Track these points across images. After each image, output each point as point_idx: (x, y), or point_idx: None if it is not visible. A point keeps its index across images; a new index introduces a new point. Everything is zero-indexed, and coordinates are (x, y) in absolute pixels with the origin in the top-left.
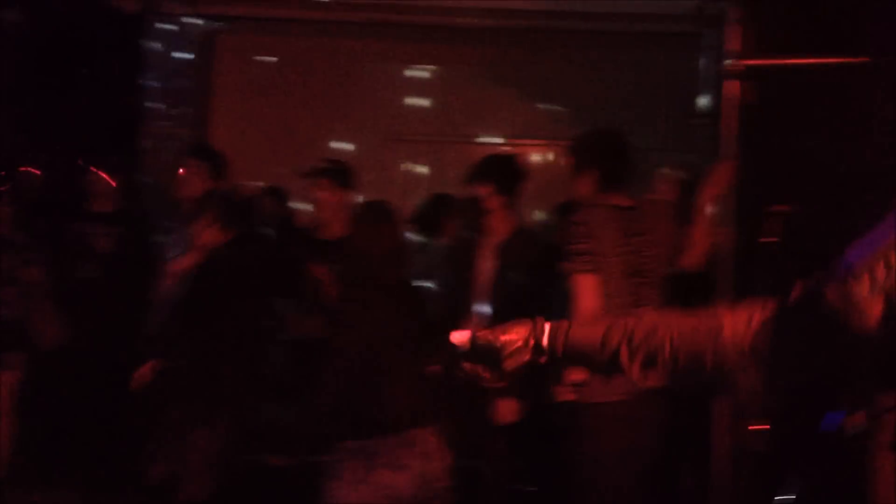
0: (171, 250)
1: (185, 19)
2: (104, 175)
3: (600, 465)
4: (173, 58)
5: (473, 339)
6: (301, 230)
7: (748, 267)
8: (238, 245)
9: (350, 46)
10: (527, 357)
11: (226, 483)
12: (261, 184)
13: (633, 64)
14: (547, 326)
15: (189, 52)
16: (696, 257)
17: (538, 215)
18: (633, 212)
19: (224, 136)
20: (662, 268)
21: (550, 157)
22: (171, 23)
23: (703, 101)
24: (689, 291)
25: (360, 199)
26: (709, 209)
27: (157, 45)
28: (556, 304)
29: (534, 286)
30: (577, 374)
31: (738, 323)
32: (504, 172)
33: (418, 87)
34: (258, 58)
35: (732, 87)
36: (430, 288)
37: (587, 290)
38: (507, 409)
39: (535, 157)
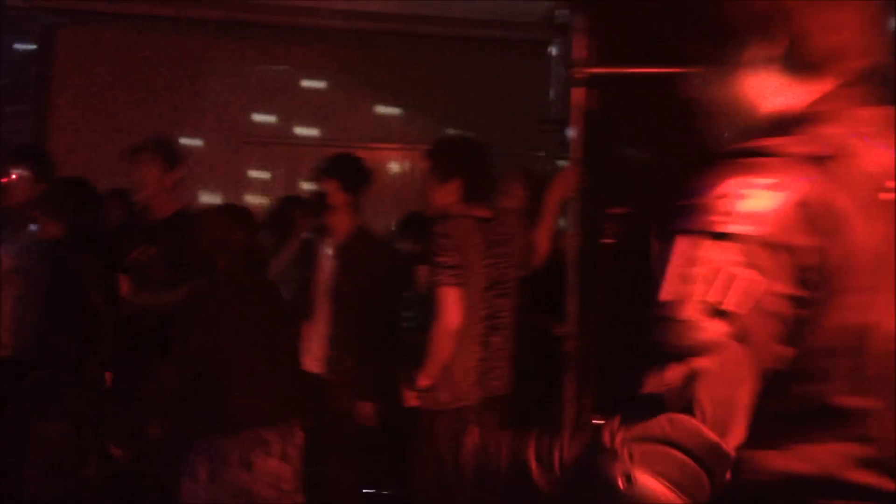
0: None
1: (23, 12)
2: None
3: (435, 471)
4: (11, 52)
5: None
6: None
7: (590, 268)
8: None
9: (199, 45)
10: None
11: (74, 483)
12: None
13: (488, 69)
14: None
15: (28, 46)
16: (540, 259)
17: (390, 219)
18: (493, 223)
19: (64, 135)
20: (516, 275)
21: (405, 161)
22: (9, 16)
23: (553, 107)
24: (537, 293)
25: (210, 201)
26: (554, 212)
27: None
28: (404, 309)
29: (371, 288)
30: (423, 380)
31: None
32: (349, 171)
33: (270, 89)
34: (101, 54)
35: (578, 94)
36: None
37: (452, 304)
38: (364, 412)
39: (390, 162)
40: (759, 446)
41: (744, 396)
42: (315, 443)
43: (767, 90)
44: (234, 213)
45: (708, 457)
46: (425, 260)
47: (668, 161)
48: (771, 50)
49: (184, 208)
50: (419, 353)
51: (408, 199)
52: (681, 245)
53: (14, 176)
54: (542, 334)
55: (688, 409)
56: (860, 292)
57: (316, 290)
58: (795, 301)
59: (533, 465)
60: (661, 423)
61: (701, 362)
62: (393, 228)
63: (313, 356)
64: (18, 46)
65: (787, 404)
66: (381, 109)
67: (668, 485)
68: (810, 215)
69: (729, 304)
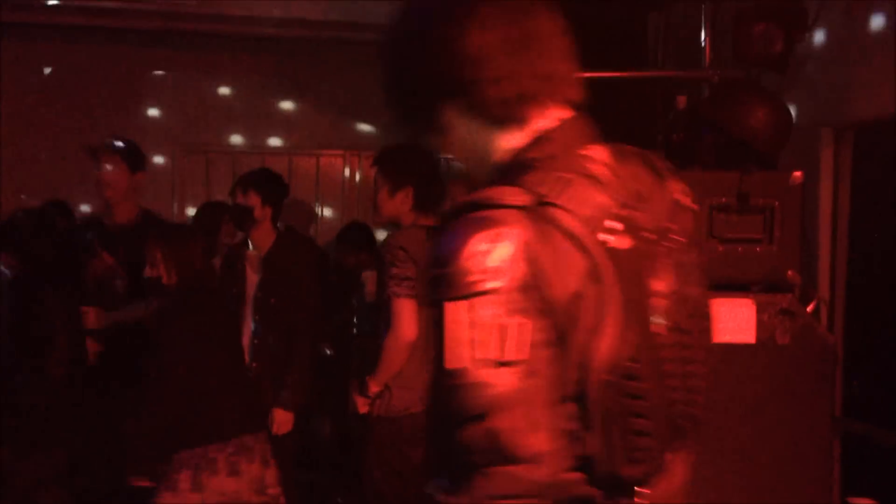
0: None
1: None
2: None
3: (387, 478)
4: None
5: None
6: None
7: None
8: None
9: (136, 55)
10: None
11: None
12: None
13: None
14: None
15: None
16: None
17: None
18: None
19: (9, 147)
20: None
21: (346, 167)
22: None
23: None
24: None
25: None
26: None
27: None
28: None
29: (298, 297)
30: (374, 387)
31: None
32: (271, 185)
33: (207, 97)
34: (42, 65)
35: None
36: None
37: (408, 316)
38: (279, 419)
39: (331, 167)
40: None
41: (557, 420)
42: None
43: (480, 144)
44: (192, 231)
45: (543, 492)
46: (377, 269)
47: None
48: (459, 107)
49: (142, 213)
50: (370, 361)
51: (350, 205)
52: (450, 312)
53: None
54: None
55: (509, 459)
56: (583, 331)
57: (241, 302)
58: (552, 331)
59: None
60: (490, 481)
61: (507, 416)
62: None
63: None
64: None
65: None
66: (322, 117)
67: None
68: (534, 261)
69: (510, 355)
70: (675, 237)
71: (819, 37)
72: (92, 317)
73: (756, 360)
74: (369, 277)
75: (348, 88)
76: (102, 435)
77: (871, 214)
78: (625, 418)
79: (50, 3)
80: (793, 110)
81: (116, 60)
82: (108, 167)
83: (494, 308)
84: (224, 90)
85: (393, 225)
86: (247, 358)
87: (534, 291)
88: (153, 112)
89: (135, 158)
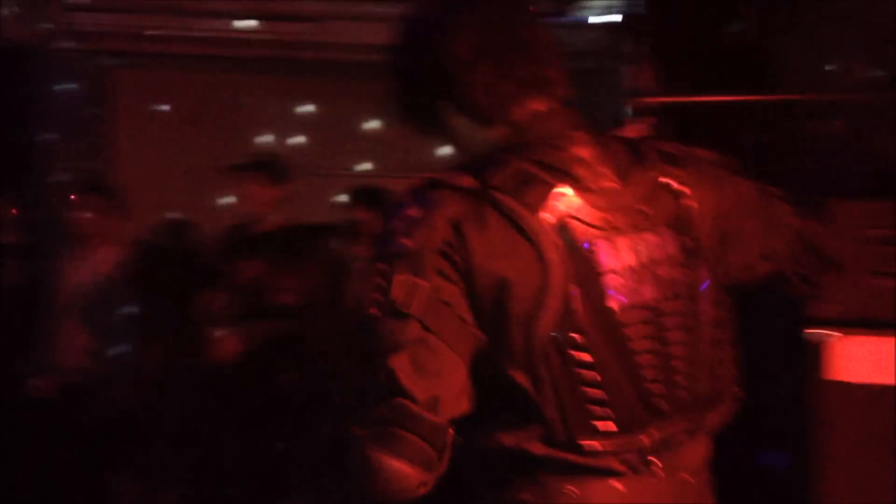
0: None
1: (82, 54)
2: (4, 207)
3: None
4: (72, 93)
5: None
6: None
7: None
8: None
9: (240, 81)
10: None
11: None
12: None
13: None
14: None
15: (87, 86)
16: None
17: None
18: None
19: (127, 169)
20: None
21: None
22: (67, 58)
23: None
24: None
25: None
26: None
27: (55, 80)
28: None
29: None
30: None
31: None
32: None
33: (309, 121)
34: (155, 92)
35: (637, 125)
36: None
37: None
38: None
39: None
40: (482, 422)
41: (449, 376)
42: None
43: (470, 138)
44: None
45: (425, 430)
46: None
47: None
48: (452, 106)
49: (286, 226)
50: None
51: None
52: (375, 268)
53: (86, 205)
54: None
55: (399, 393)
56: (521, 301)
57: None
58: (462, 295)
59: None
60: (383, 411)
61: (399, 358)
62: None
63: None
64: (72, 88)
65: (488, 384)
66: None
67: (399, 459)
68: (457, 234)
69: (409, 309)
70: (645, 219)
71: None
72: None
73: None
74: None
75: None
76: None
77: None
78: (575, 387)
79: (166, 33)
80: None
81: (223, 87)
82: (251, 183)
83: (404, 270)
84: (333, 115)
85: None
86: None
87: (451, 259)
88: (266, 138)
89: (277, 173)
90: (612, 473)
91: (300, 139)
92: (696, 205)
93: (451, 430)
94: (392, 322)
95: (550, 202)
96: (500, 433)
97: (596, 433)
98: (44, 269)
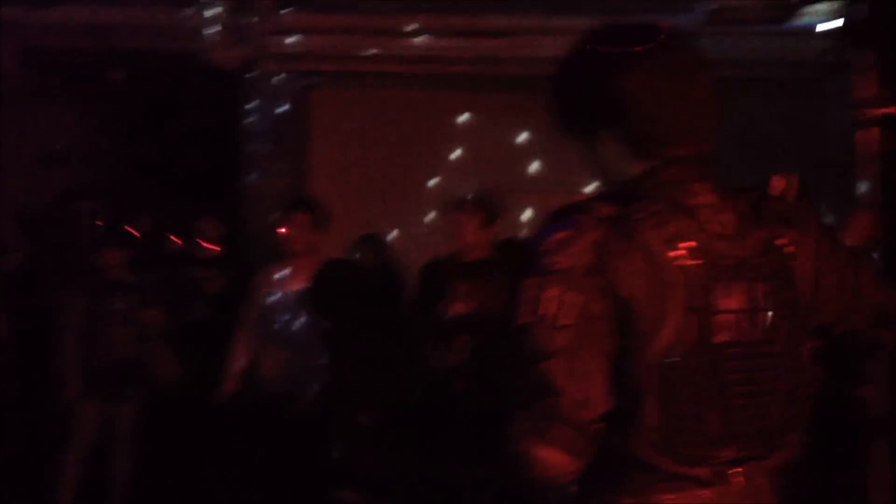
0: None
1: (282, 75)
2: (211, 222)
3: None
4: (272, 111)
5: None
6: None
7: None
8: None
9: (440, 98)
10: None
11: None
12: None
13: (755, 109)
14: None
15: (286, 105)
16: None
17: None
18: None
19: (323, 186)
20: None
21: None
22: (268, 78)
23: (830, 149)
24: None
25: None
26: None
27: (256, 101)
28: None
29: None
30: None
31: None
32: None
33: (507, 137)
34: (351, 110)
35: (865, 136)
36: None
37: None
38: None
39: None
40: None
41: (597, 379)
42: None
43: (617, 166)
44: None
45: (578, 425)
46: None
47: None
48: (613, 134)
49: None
50: None
51: None
52: (532, 282)
53: (292, 221)
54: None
55: (555, 393)
56: (644, 321)
57: None
58: (605, 309)
59: None
60: (542, 408)
61: (556, 363)
62: None
63: None
64: (277, 107)
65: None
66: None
67: (557, 449)
68: (601, 255)
69: (562, 321)
70: (758, 271)
71: None
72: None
73: None
74: None
75: None
76: None
77: None
78: (676, 403)
79: (364, 53)
80: None
81: (421, 104)
82: (462, 220)
83: (557, 284)
84: (526, 130)
85: None
86: None
87: (597, 278)
88: (458, 153)
89: (489, 212)
90: (699, 482)
91: (491, 155)
92: (800, 265)
93: (600, 426)
94: (549, 331)
95: (680, 240)
96: (609, 432)
97: (689, 445)
98: (245, 282)
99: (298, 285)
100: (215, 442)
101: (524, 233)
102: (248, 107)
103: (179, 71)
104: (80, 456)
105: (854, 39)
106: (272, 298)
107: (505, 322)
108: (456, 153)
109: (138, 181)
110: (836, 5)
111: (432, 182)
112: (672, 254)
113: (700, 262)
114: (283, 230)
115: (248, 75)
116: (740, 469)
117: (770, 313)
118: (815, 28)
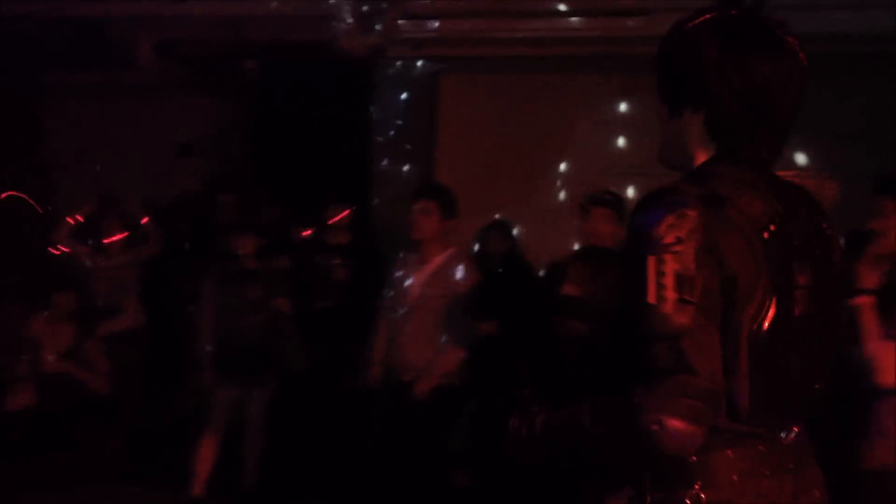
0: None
1: (411, 61)
2: (339, 210)
3: None
4: (401, 98)
5: None
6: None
7: None
8: None
9: (565, 81)
10: None
11: None
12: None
13: (839, 87)
14: None
15: (415, 92)
16: None
17: None
18: None
19: (449, 172)
20: None
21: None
22: (397, 65)
23: None
24: None
25: None
26: None
27: (385, 87)
28: None
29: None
30: None
31: None
32: None
33: (641, 121)
34: (479, 95)
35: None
36: None
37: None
38: None
39: None
40: None
41: (718, 353)
42: None
43: (693, 148)
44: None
45: (707, 397)
46: None
47: None
48: (700, 114)
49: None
50: None
51: None
52: (650, 262)
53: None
54: None
55: (686, 369)
56: (742, 295)
57: None
58: (717, 284)
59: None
60: (673, 383)
61: (685, 340)
62: None
63: None
64: (406, 94)
65: None
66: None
67: (687, 420)
68: (708, 234)
69: (688, 296)
70: (814, 251)
71: None
72: None
73: None
74: None
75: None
76: None
77: None
78: (761, 373)
79: (493, 35)
80: None
81: (548, 88)
82: (597, 217)
83: (678, 262)
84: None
85: None
86: None
87: (709, 254)
88: (587, 137)
89: (620, 210)
90: (759, 437)
91: (623, 138)
92: (836, 247)
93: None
94: (676, 308)
95: (767, 220)
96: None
97: (766, 409)
98: (374, 270)
99: (428, 272)
100: (341, 426)
101: None
102: (377, 94)
103: (311, 60)
104: (216, 437)
105: None
106: (405, 284)
107: (620, 306)
108: (587, 138)
109: (270, 170)
110: None
111: (562, 167)
112: (762, 233)
113: (781, 240)
114: (414, 219)
115: (377, 63)
116: (795, 428)
117: (825, 289)
118: None
